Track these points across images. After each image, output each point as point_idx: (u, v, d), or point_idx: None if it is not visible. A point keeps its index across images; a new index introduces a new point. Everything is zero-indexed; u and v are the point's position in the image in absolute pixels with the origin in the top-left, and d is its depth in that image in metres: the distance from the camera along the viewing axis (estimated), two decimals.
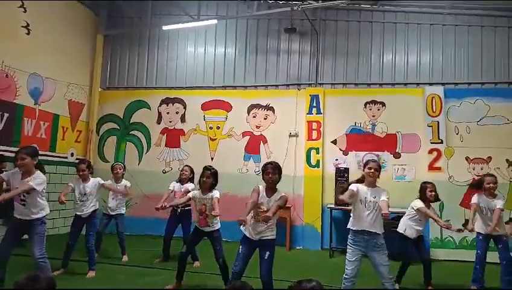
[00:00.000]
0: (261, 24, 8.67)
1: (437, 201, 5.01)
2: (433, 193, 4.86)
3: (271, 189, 3.75)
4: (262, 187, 3.76)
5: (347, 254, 3.94)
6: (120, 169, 6.00)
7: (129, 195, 6.03)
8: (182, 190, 5.62)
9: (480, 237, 4.97)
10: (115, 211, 5.93)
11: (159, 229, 7.92)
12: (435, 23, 7.99)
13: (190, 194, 4.52)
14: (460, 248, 7.00)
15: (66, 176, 8.06)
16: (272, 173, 3.71)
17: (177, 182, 5.82)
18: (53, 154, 7.77)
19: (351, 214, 3.98)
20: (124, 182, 6.04)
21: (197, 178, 4.83)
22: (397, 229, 5.05)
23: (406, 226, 4.96)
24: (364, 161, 4.51)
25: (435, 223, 5.14)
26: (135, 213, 8.18)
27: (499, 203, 4.78)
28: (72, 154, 8.30)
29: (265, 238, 3.72)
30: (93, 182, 5.02)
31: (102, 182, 5.20)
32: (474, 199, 4.96)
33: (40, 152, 7.31)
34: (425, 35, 8.01)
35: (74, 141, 8.45)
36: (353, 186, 3.86)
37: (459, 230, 4.88)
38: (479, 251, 4.98)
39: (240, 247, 3.76)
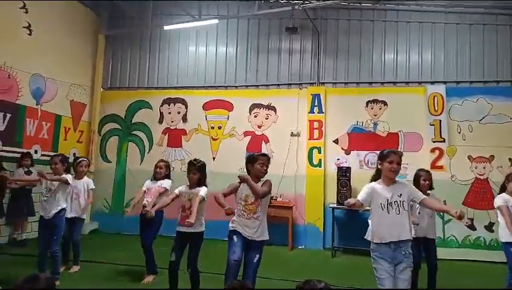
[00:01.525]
0: (262, 24, 8.67)
1: (431, 189, 4.49)
2: (427, 182, 4.42)
3: (256, 181, 3.57)
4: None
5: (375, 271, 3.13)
6: (86, 166, 5.34)
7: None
8: (156, 187, 4.88)
9: None
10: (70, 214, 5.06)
11: (163, 229, 7.99)
12: (436, 21, 7.96)
13: (176, 191, 4.04)
14: (463, 247, 6.99)
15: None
16: (267, 165, 3.61)
17: (151, 180, 5.03)
18: (55, 154, 7.78)
19: (369, 221, 3.46)
20: (86, 179, 5.34)
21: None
22: None
23: None
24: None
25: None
26: (137, 213, 8.17)
27: None
28: (74, 155, 8.31)
29: (256, 238, 3.50)
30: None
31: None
32: (500, 200, 4.20)
33: (42, 152, 7.44)
34: (427, 33, 7.99)
35: (76, 141, 8.47)
36: (368, 185, 3.21)
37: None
38: None
39: (234, 237, 3.47)
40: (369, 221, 3.46)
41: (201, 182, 3.99)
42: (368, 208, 3.32)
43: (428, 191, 4.42)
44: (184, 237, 3.92)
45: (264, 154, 3.69)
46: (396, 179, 3.18)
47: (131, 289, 4.49)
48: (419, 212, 4.38)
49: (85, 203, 5.24)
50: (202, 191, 3.94)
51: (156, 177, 4.96)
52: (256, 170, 3.59)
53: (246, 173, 3.75)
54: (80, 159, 5.40)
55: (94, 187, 5.50)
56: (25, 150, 6.87)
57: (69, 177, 4.61)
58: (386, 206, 3.06)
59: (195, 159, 4.10)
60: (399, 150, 7.34)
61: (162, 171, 4.95)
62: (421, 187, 4.28)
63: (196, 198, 3.86)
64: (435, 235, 4.58)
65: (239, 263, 3.41)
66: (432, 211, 4.31)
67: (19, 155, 6.66)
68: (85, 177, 5.34)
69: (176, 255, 3.89)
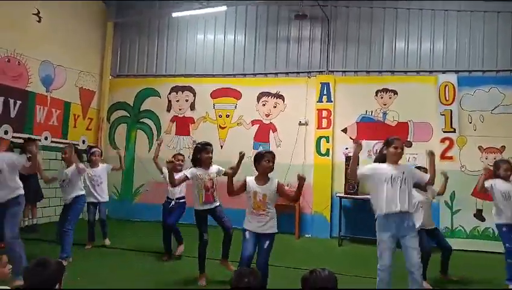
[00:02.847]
0: (271, 10, 8.56)
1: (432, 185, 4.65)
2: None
3: (264, 178, 3.77)
4: (250, 178, 3.79)
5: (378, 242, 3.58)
6: (98, 155, 5.91)
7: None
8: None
9: (505, 229, 4.57)
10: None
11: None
12: (449, 9, 7.78)
13: (188, 174, 4.31)
14: (471, 237, 6.93)
15: None
16: (272, 161, 3.78)
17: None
18: (65, 141, 7.86)
19: (372, 201, 3.71)
20: (101, 166, 5.92)
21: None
22: None
23: None
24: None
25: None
26: (146, 200, 8.28)
27: None
28: (83, 142, 8.40)
29: (266, 232, 3.69)
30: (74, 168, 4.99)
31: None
32: (490, 183, 4.66)
33: (52, 139, 7.52)
34: (439, 21, 7.81)
35: (85, 128, 8.54)
36: (372, 166, 3.73)
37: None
38: (507, 244, 4.53)
39: (246, 233, 3.72)
40: (371, 200, 3.73)
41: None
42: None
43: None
44: (208, 212, 4.41)
45: (270, 152, 3.89)
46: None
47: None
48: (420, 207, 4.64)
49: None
50: (217, 167, 4.52)
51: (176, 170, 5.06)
52: (263, 167, 3.76)
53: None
54: (93, 150, 5.92)
55: (112, 166, 6.10)
56: (32, 136, 6.94)
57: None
58: (389, 181, 3.48)
59: (207, 142, 4.48)
60: (409, 139, 7.36)
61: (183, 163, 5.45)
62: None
63: (216, 176, 4.45)
64: (433, 224, 4.89)
65: (251, 258, 3.63)
66: (427, 202, 4.76)
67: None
68: (100, 165, 5.87)
69: (207, 234, 4.39)
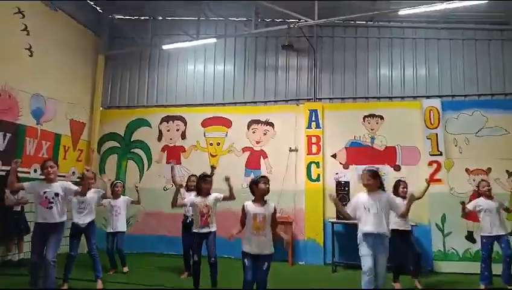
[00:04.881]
0: (259, 42, 8.84)
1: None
2: (405, 189, 5.58)
3: (261, 200, 4.07)
4: (248, 202, 4.09)
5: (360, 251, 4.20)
6: (121, 187, 6.42)
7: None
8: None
9: (484, 240, 5.49)
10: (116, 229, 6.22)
11: (160, 247, 7.97)
12: (429, 37, 8.14)
13: (187, 201, 5.06)
14: (463, 260, 6.94)
15: None
16: (268, 184, 4.12)
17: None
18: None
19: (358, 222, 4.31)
20: (123, 198, 6.37)
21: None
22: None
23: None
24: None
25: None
26: (136, 231, 8.15)
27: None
28: (73, 173, 8.33)
29: (265, 253, 3.94)
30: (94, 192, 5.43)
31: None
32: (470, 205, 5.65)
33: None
34: (421, 49, 8.16)
35: (76, 160, 8.50)
36: (354, 198, 4.37)
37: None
38: (483, 252, 5.52)
39: (245, 260, 3.95)
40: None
41: (211, 190, 4.95)
42: None
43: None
44: (203, 236, 4.82)
45: (264, 176, 4.26)
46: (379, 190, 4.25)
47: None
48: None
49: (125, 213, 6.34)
50: (216, 194, 4.93)
51: (190, 189, 5.85)
52: (261, 189, 4.06)
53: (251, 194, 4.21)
54: (116, 182, 6.46)
55: (132, 199, 6.42)
56: (25, 169, 6.89)
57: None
58: (367, 207, 4.15)
59: (206, 174, 5.05)
60: (397, 163, 7.49)
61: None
62: (399, 194, 5.57)
63: (212, 204, 4.88)
64: (407, 227, 5.53)
65: (253, 283, 3.90)
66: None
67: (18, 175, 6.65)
68: (122, 196, 6.33)
69: (198, 255, 4.80)
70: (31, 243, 4.53)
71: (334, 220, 7.17)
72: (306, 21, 7.46)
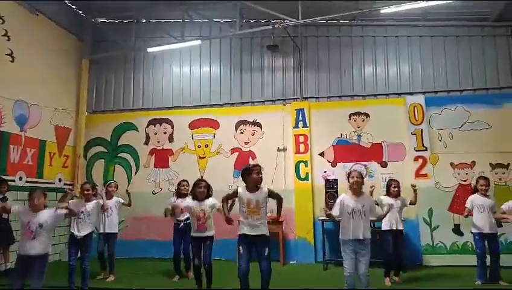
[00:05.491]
0: (244, 43, 8.85)
1: (398, 196, 5.66)
2: (396, 189, 5.63)
3: (254, 187, 4.16)
4: (241, 188, 4.21)
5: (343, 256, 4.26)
6: (115, 187, 6.35)
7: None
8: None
9: (477, 237, 5.44)
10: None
11: (150, 251, 7.91)
12: (412, 35, 8.27)
13: (184, 204, 5.09)
14: (451, 252, 7.07)
15: (54, 202, 7.90)
16: (261, 173, 4.19)
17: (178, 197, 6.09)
18: (40, 180, 7.67)
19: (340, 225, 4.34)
20: (115, 198, 6.25)
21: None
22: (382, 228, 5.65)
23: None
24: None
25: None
26: (126, 236, 8.07)
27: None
28: (60, 180, 8.21)
29: (260, 233, 4.11)
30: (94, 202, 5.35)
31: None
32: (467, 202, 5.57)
33: (28, 179, 7.33)
34: (404, 46, 8.29)
35: (62, 166, 8.37)
36: (338, 200, 4.32)
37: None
38: (478, 250, 5.47)
39: (240, 247, 4.09)
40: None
41: (209, 195, 4.94)
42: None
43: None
44: (200, 240, 4.86)
45: (257, 165, 4.30)
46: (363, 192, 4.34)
47: None
48: (389, 208, 5.26)
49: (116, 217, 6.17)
50: (213, 201, 4.92)
51: (181, 195, 5.94)
52: (254, 179, 4.14)
53: (243, 183, 4.31)
54: (109, 182, 6.38)
55: (123, 201, 6.28)
56: (10, 177, 6.76)
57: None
58: (351, 213, 4.15)
59: (200, 179, 5.13)
60: (383, 159, 7.58)
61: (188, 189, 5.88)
62: (391, 193, 5.63)
63: (208, 208, 4.87)
64: (399, 227, 5.59)
65: (247, 273, 4.06)
66: (396, 207, 5.53)
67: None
68: (114, 197, 6.20)
69: (199, 259, 4.85)
70: (10, 278, 4.33)
71: (324, 218, 7.22)
72: (290, 21, 7.51)
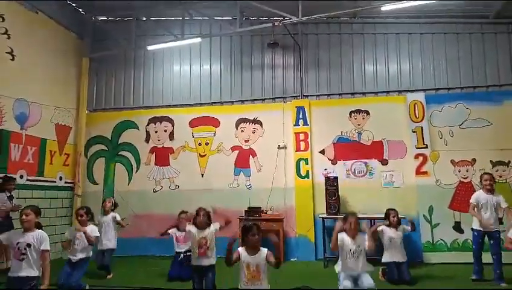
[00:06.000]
0: (244, 40, 8.84)
1: (399, 225, 5.73)
2: (395, 218, 5.68)
3: (253, 248, 3.83)
4: (241, 249, 3.86)
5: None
6: (109, 202, 6.45)
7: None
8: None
9: (476, 233, 5.47)
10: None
11: (150, 249, 7.93)
12: (412, 32, 8.26)
13: (187, 229, 4.86)
14: (452, 250, 7.08)
15: (55, 201, 7.98)
16: (258, 233, 3.83)
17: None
18: (41, 178, 7.70)
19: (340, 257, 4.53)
20: (112, 214, 6.38)
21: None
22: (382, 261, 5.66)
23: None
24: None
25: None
26: (127, 234, 8.08)
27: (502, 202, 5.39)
28: (60, 178, 8.23)
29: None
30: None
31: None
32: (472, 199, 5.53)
33: (28, 177, 7.35)
34: (404, 44, 8.27)
35: (62, 164, 8.38)
36: (340, 236, 4.49)
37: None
38: (474, 246, 5.51)
39: None
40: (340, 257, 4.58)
41: (210, 223, 4.80)
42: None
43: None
44: (201, 271, 4.64)
45: (254, 224, 3.95)
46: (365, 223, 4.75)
47: None
48: (390, 241, 5.60)
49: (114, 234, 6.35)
50: (215, 227, 4.78)
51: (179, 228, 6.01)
52: (251, 241, 3.85)
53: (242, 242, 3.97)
54: (106, 198, 6.59)
55: (119, 218, 6.39)
56: (11, 175, 6.78)
57: (95, 231, 5.34)
58: (349, 253, 4.43)
59: (203, 209, 4.85)
60: (384, 157, 7.57)
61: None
62: (391, 222, 5.66)
63: (210, 236, 4.71)
64: (402, 258, 5.59)
65: None
66: (398, 238, 5.64)
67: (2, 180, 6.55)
68: (111, 213, 6.35)
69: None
70: None
71: (325, 215, 7.24)
72: (290, 19, 7.50)
